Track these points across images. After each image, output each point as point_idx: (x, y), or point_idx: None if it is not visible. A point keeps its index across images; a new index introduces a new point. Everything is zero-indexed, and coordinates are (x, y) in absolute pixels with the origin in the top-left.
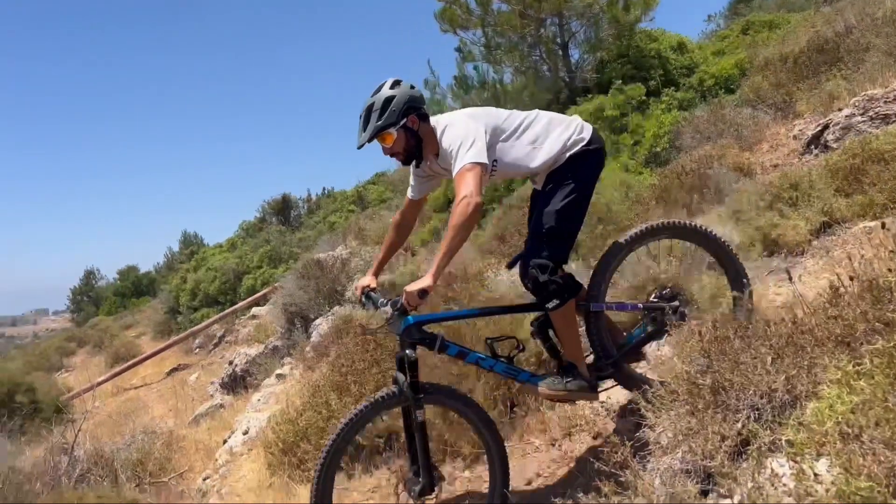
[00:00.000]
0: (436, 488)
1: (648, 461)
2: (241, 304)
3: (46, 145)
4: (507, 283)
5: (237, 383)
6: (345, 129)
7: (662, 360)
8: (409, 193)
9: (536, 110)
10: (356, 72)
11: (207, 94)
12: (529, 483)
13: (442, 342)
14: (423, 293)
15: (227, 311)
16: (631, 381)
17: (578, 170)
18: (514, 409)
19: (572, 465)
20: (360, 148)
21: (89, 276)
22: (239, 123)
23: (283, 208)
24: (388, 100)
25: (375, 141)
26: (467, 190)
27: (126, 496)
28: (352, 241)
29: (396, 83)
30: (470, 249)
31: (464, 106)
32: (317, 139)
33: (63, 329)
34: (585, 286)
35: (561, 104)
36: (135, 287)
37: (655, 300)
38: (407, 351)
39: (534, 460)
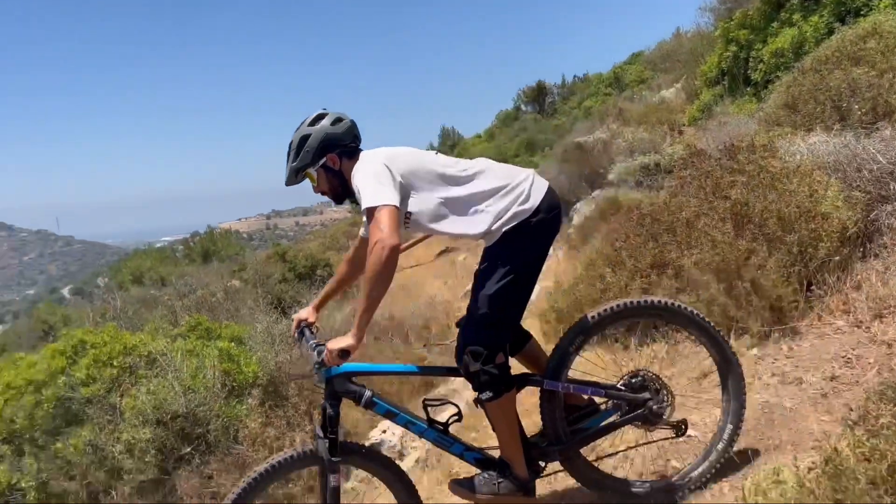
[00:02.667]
0: None
1: None
2: None
3: (319, 53)
4: (804, 152)
5: None
6: (599, 11)
7: None
8: (361, 231)
9: (484, 162)
10: None
11: None
12: (830, 362)
13: (370, 398)
14: (344, 353)
15: None
16: (581, 475)
17: (516, 248)
18: (812, 287)
19: (884, 348)
20: (287, 185)
21: None
22: (494, 13)
23: (537, 96)
24: (304, 139)
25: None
26: (379, 234)
27: (415, 353)
28: (611, 123)
29: (318, 118)
30: (750, 122)
31: None
32: (571, 23)
33: (344, 218)
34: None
35: None
36: None
37: (622, 388)
38: (329, 404)
39: (834, 341)
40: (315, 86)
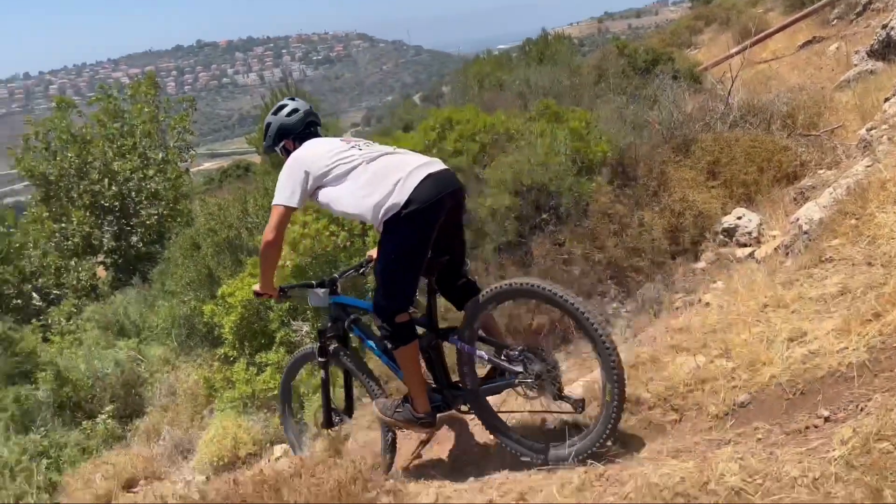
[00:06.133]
0: (335, 426)
1: None
2: None
3: None
4: None
5: (890, 49)
6: None
7: None
8: None
9: (383, 159)
10: None
11: None
12: None
13: (349, 325)
14: (255, 294)
15: None
16: (484, 420)
17: (393, 236)
18: None
19: None
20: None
21: None
22: None
23: None
24: (267, 125)
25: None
26: (267, 228)
27: (777, 143)
28: None
29: (280, 108)
30: None
31: None
32: None
33: (683, 14)
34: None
35: None
36: None
37: (501, 358)
38: (328, 321)
39: None
40: None
